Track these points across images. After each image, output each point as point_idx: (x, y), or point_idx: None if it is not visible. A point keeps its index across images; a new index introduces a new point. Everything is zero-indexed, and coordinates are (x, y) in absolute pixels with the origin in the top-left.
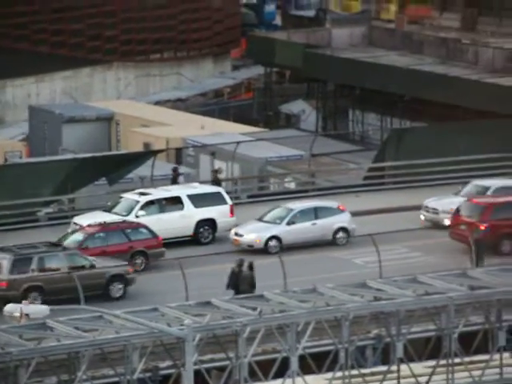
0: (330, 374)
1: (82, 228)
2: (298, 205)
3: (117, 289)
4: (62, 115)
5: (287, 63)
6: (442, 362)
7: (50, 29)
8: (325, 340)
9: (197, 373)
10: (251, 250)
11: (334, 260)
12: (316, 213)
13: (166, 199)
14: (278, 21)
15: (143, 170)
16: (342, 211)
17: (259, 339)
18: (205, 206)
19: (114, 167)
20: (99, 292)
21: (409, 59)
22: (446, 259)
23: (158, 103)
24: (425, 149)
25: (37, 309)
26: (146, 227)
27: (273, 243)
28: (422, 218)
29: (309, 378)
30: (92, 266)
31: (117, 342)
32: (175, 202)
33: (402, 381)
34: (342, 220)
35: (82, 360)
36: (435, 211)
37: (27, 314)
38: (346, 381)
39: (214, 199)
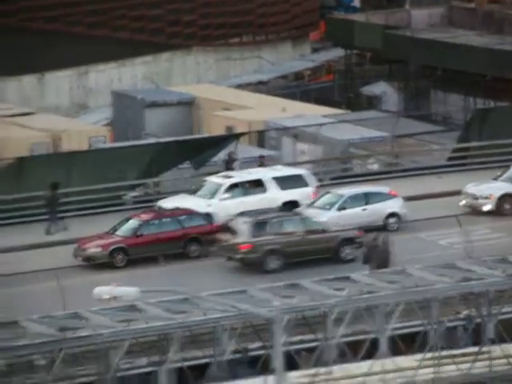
0: (419, 356)
1: (135, 215)
2: (349, 190)
3: (347, 252)
4: (144, 100)
5: (367, 45)
6: None
7: (129, 15)
8: (414, 321)
9: (285, 354)
10: None
11: (418, 241)
12: (367, 198)
13: (249, 182)
14: (356, 3)
15: (226, 153)
16: (394, 196)
17: (348, 320)
18: (289, 188)
19: (197, 151)
20: (329, 255)
21: (489, 39)
22: None
23: (239, 86)
24: (509, 128)
25: (127, 291)
26: (200, 214)
27: None
28: (463, 203)
29: (398, 359)
30: (324, 230)
31: (206, 324)
32: (258, 184)
33: (493, 362)
34: (394, 205)
35: (172, 342)
36: (474, 196)
37: (117, 297)
38: (436, 362)
39: (298, 181)
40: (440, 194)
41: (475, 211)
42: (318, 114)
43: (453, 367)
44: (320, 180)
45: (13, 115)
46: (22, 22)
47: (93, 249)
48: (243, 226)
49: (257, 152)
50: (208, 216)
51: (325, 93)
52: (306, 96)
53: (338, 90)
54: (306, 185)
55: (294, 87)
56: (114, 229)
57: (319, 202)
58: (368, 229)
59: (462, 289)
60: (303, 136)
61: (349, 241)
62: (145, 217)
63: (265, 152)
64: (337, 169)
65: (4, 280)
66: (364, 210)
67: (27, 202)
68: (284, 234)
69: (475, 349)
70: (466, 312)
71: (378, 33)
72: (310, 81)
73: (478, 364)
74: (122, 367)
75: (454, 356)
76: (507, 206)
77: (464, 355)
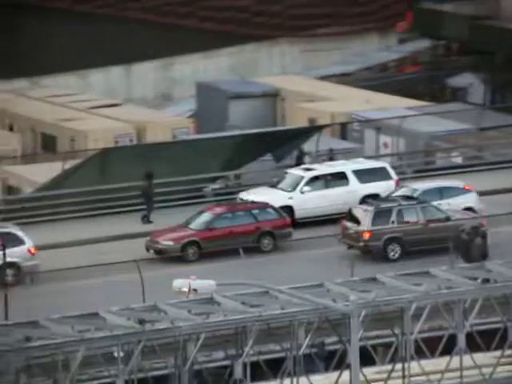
0: (498, 352)
1: (209, 208)
2: (423, 185)
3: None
4: (229, 91)
5: (454, 36)
6: None
7: (216, 5)
8: (493, 317)
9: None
10: None
11: (498, 235)
12: (441, 193)
13: (331, 175)
14: None
15: (308, 145)
16: (468, 191)
17: (425, 316)
18: (370, 182)
19: (280, 143)
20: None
21: None
22: None
23: (323, 78)
24: None
25: (204, 284)
26: (273, 207)
27: None
28: None
29: (477, 355)
30: (447, 219)
31: (283, 318)
32: (340, 177)
33: None
34: (468, 200)
35: (249, 335)
36: None
37: (195, 289)
38: None
39: (379, 174)
40: None
41: None
42: (402, 106)
43: None
44: (403, 173)
45: (99, 106)
46: (112, 11)
47: (165, 242)
48: (364, 215)
49: (339, 144)
50: (287, 208)
51: (410, 85)
52: (390, 88)
53: (423, 81)
54: (387, 178)
55: (379, 79)
56: (187, 222)
57: (394, 197)
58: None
59: None
60: (386, 128)
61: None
62: (218, 210)
63: (346, 144)
64: (420, 162)
65: (85, 271)
66: (439, 204)
67: (114, 193)
68: (405, 222)
69: None
70: None
71: (466, 23)
72: (395, 72)
73: None
74: (198, 360)
75: None
76: None
77: None
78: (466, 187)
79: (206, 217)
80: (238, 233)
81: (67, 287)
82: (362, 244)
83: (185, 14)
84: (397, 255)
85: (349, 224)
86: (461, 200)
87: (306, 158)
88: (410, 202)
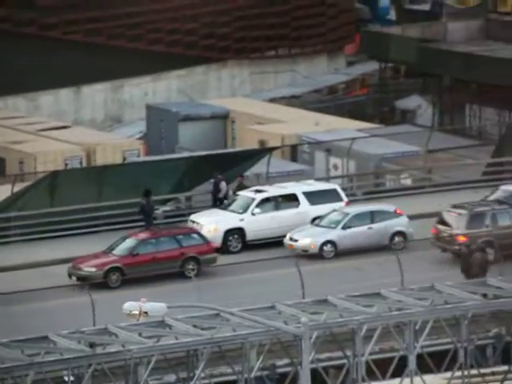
0: (448, 374)
1: (132, 234)
2: (354, 209)
3: None
4: (179, 113)
5: (402, 58)
6: None
7: (164, 28)
8: (443, 339)
9: (313, 372)
10: (306, 255)
11: (449, 257)
12: (372, 217)
13: (281, 196)
14: (392, 15)
15: (259, 167)
16: (399, 215)
17: (376, 337)
18: (320, 203)
19: (230, 165)
20: None
21: None
22: None
23: (272, 100)
24: None
25: (155, 306)
26: (197, 233)
27: (328, 248)
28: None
29: (427, 377)
30: None
31: (235, 340)
32: (291, 199)
33: None
34: (399, 224)
35: (201, 358)
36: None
37: (146, 312)
38: (466, 380)
39: (330, 196)
40: None
41: None
42: (352, 128)
43: None
44: (353, 195)
45: (48, 129)
46: (60, 35)
47: (87, 268)
48: (458, 218)
49: (290, 166)
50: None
51: (359, 107)
52: (339, 110)
53: (371, 103)
54: (338, 199)
55: (328, 101)
56: (111, 248)
57: (325, 220)
58: None
59: (493, 307)
60: (336, 150)
61: None
62: (141, 236)
63: (296, 166)
64: (369, 183)
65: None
66: (369, 228)
67: (65, 215)
68: (499, 227)
69: (505, 367)
70: (495, 330)
71: (414, 46)
72: (344, 94)
73: (507, 383)
74: (150, 383)
75: (484, 375)
76: None
77: (493, 374)
78: (398, 211)
79: (129, 243)
80: (161, 258)
81: (14, 311)
82: (456, 247)
83: (133, 36)
84: (491, 258)
85: (442, 227)
86: (392, 223)
87: (222, 185)
88: (503, 206)
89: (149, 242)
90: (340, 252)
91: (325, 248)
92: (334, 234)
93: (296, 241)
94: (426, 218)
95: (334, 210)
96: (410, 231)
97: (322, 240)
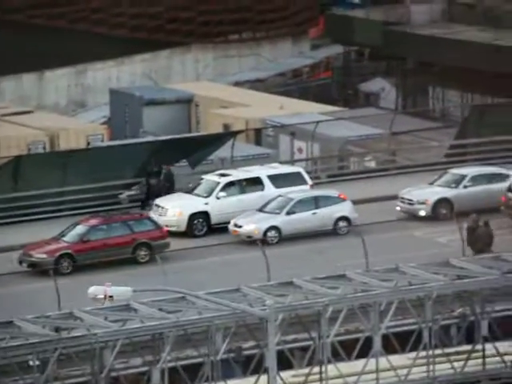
0: (413, 354)
1: (83, 220)
2: (297, 194)
3: None
4: (143, 98)
5: (366, 41)
6: None
7: (128, 13)
8: (408, 319)
9: (279, 353)
10: (251, 240)
11: (415, 239)
12: (316, 202)
13: (246, 180)
14: None
15: (223, 151)
16: (343, 200)
17: (342, 319)
18: (285, 187)
19: (195, 149)
20: None
21: (490, 34)
22: None
23: (236, 84)
24: (508, 125)
25: (120, 290)
26: (149, 218)
27: (272, 234)
28: (398, 208)
29: (392, 357)
30: None
31: (200, 323)
32: (255, 182)
33: (487, 360)
34: (343, 209)
35: (166, 341)
36: (410, 202)
37: (111, 296)
38: (430, 360)
39: (294, 179)
40: None
41: (411, 216)
42: (316, 112)
43: (446, 365)
44: (317, 177)
45: (10, 114)
46: (22, 18)
47: (38, 255)
48: None
49: (254, 150)
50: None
51: (323, 90)
52: (304, 93)
53: (336, 87)
54: (302, 182)
55: (292, 84)
56: (62, 234)
57: (270, 206)
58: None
59: (456, 287)
60: (300, 134)
61: None
62: (92, 222)
63: (261, 150)
64: (334, 166)
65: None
66: (314, 213)
67: (28, 200)
68: None
69: (469, 347)
70: (459, 310)
71: (378, 29)
72: (308, 78)
73: (471, 362)
74: (115, 367)
75: (448, 354)
76: (443, 211)
77: (458, 353)
78: (341, 196)
79: (79, 229)
80: (112, 244)
81: None
82: None
83: (97, 20)
84: None
85: None
86: (335, 209)
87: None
88: None
89: (100, 228)
90: (284, 238)
91: (269, 234)
92: (278, 220)
93: (240, 227)
94: (389, 201)
95: (279, 196)
96: (353, 216)
97: (266, 226)
